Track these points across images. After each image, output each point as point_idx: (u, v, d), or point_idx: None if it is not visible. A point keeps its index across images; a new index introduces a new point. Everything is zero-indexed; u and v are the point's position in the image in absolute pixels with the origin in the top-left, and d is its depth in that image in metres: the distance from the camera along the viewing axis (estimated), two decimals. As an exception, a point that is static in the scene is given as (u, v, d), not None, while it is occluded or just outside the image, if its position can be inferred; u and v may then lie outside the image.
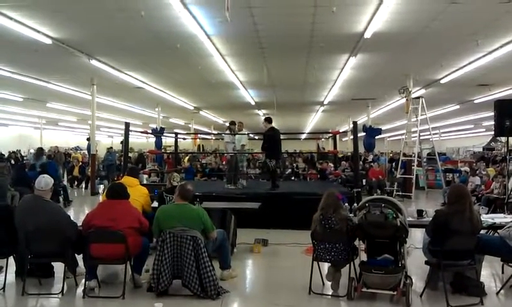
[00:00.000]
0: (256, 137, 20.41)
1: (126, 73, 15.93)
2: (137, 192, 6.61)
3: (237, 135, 11.78)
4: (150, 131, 20.68)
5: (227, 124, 12.58)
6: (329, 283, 5.36)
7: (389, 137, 41.56)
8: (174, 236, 5.01)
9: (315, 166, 19.30)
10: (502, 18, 9.76)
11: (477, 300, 4.86)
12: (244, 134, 12.66)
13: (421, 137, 16.03)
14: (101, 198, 6.56)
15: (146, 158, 22.51)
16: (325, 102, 23.49)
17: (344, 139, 34.70)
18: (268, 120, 10.81)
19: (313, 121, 33.39)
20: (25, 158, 26.68)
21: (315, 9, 9.32)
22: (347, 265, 5.15)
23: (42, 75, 16.40)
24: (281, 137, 11.33)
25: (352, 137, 12.17)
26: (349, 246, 5.11)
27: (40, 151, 15.97)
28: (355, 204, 6.29)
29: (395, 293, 4.81)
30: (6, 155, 24.04)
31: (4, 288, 5.27)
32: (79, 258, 5.63)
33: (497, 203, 10.75)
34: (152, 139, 21.75)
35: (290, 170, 18.51)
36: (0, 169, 11.80)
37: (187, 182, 6.04)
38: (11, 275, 5.60)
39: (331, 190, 5.54)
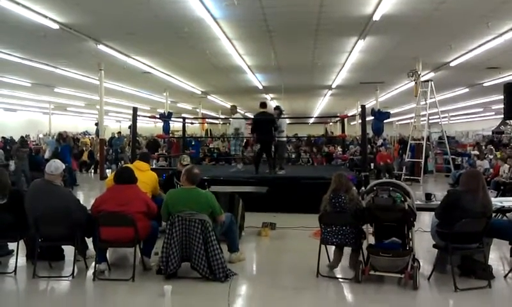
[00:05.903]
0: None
1: (133, 58, 15.91)
2: (147, 177, 6.64)
3: (231, 119, 11.92)
4: (158, 116, 20.69)
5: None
6: (330, 267, 5.41)
7: (398, 120, 41.37)
8: (182, 219, 5.05)
9: (320, 151, 19.23)
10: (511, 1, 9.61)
11: (485, 284, 4.85)
12: (240, 119, 12.48)
13: (430, 121, 15.94)
14: (107, 183, 6.56)
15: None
16: (333, 86, 23.33)
17: (352, 123, 34.55)
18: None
19: (321, 105, 33.22)
20: (34, 142, 26.80)
21: (323, -9, 9.25)
22: (350, 248, 5.20)
23: (50, 60, 16.42)
24: (288, 121, 11.47)
25: (360, 121, 12.09)
26: (356, 228, 5.11)
27: (59, 136, 16.21)
28: (363, 188, 6.29)
29: (402, 276, 4.82)
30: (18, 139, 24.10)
31: (15, 271, 5.34)
32: (89, 241, 5.69)
33: (506, 187, 10.71)
34: (160, 124, 21.74)
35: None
36: (22, 154, 12.03)
37: (194, 166, 6.05)
38: (22, 259, 5.67)
39: (341, 172, 5.52)
